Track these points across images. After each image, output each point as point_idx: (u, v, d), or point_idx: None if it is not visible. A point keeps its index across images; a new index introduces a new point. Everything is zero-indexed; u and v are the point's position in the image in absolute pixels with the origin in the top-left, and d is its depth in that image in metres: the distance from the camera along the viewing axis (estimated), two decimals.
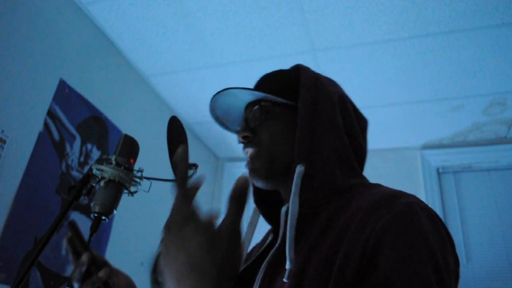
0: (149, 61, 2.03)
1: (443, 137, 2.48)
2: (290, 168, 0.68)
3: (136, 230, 2.02)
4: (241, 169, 2.92)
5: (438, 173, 2.54)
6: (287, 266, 0.58)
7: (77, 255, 0.68)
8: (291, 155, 0.69)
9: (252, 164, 0.72)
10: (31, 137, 1.45)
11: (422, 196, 2.44)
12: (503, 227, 2.28)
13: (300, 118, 0.68)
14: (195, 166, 0.76)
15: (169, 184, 0.74)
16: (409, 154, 2.59)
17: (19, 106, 1.41)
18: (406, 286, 0.48)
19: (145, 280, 2.10)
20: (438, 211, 2.38)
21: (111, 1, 1.68)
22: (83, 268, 0.66)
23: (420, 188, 2.48)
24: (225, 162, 3.00)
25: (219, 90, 0.76)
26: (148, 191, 0.77)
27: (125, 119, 1.97)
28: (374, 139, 2.55)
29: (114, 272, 0.73)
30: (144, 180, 0.76)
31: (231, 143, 2.78)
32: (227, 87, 0.75)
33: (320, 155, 0.66)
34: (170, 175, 0.75)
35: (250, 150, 0.73)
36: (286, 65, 0.85)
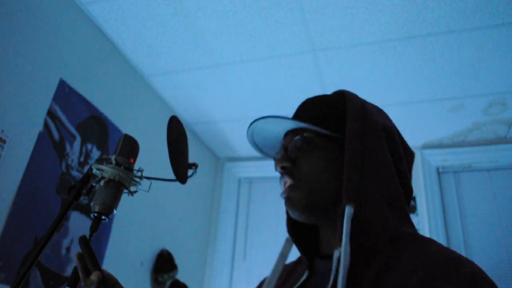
0: (149, 61, 2.03)
1: (443, 137, 2.48)
2: (332, 204, 0.65)
3: (136, 230, 2.02)
4: (241, 169, 2.93)
5: (438, 173, 2.54)
6: None
7: (86, 272, 0.66)
8: (333, 190, 0.65)
9: (289, 193, 0.68)
10: (31, 137, 1.45)
11: (422, 196, 2.44)
12: (503, 227, 2.28)
13: (348, 154, 0.64)
14: (195, 166, 0.76)
15: (169, 184, 0.74)
16: None
17: (19, 106, 1.41)
18: None
19: (145, 280, 2.10)
20: (438, 211, 2.38)
21: (111, 1, 1.68)
22: None
23: (420, 188, 2.48)
24: (225, 162, 3.00)
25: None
26: (148, 191, 0.77)
27: (125, 119, 1.97)
28: None
29: None
30: (144, 180, 0.76)
31: (231, 143, 2.78)
32: (269, 114, 0.73)
33: (370, 195, 0.61)
34: (170, 175, 0.75)
35: (288, 181, 0.69)
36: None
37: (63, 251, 1.54)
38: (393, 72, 1.96)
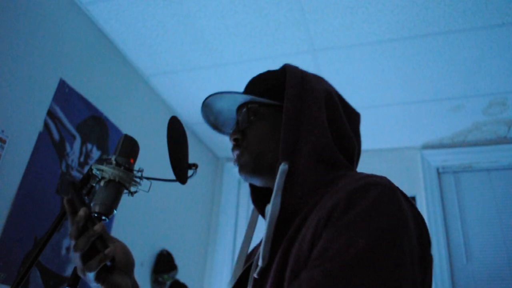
0: (149, 61, 2.03)
1: (443, 137, 2.48)
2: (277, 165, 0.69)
3: (136, 230, 2.02)
4: None
5: (438, 173, 2.54)
6: (259, 263, 0.59)
7: (75, 215, 0.67)
8: (277, 152, 0.70)
9: (239, 160, 0.75)
10: (31, 137, 1.45)
11: (422, 196, 2.44)
12: (503, 227, 2.28)
13: (285, 117, 0.69)
14: (195, 166, 0.76)
15: (169, 184, 0.74)
16: (409, 154, 2.59)
17: (19, 106, 1.41)
18: (334, 257, 0.49)
19: (145, 280, 2.10)
20: (438, 211, 2.38)
21: (111, 1, 1.68)
22: (80, 224, 0.65)
23: (420, 188, 2.48)
24: (225, 162, 3.00)
25: (219, 90, 0.77)
26: (148, 191, 0.77)
27: (125, 119, 1.97)
28: (374, 139, 2.55)
29: (110, 239, 0.74)
30: (144, 180, 0.76)
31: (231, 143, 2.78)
32: (220, 90, 0.78)
33: (302, 152, 0.67)
34: (170, 175, 0.75)
35: (237, 151, 0.75)
36: None
37: (63, 251, 1.54)
38: (393, 72, 1.96)
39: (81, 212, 0.65)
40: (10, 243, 1.33)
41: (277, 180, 0.64)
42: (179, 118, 0.80)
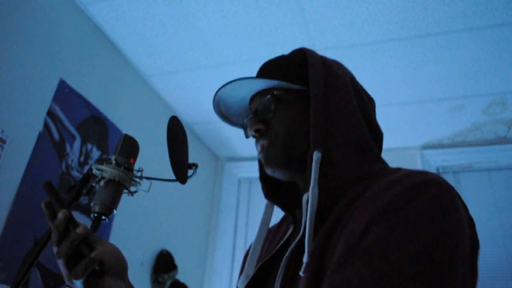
0: (149, 61, 2.03)
1: (443, 137, 2.48)
2: (307, 156, 0.65)
3: (136, 230, 2.02)
4: (241, 169, 2.92)
5: (438, 173, 2.53)
6: (304, 259, 0.55)
7: (55, 218, 0.62)
8: (306, 141, 0.66)
9: (267, 153, 0.68)
10: (31, 137, 1.45)
11: None
12: (503, 227, 2.28)
13: (314, 103, 0.65)
14: (195, 166, 0.76)
15: (169, 184, 0.74)
16: (409, 154, 2.59)
17: (19, 106, 1.41)
18: (389, 254, 0.47)
19: (145, 280, 2.10)
20: None
21: (111, 1, 1.68)
22: (61, 227, 0.59)
23: None
24: (225, 162, 3.00)
25: (219, 89, 0.74)
26: (148, 191, 0.77)
27: (125, 119, 1.97)
28: None
29: (97, 241, 0.67)
30: (144, 180, 0.76)
31: (231, 143, 2.78)
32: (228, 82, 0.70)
33: (336, 140, 0.63)
34: (170, 175, 0.75)
35: (265, 142, 0.69)
36: None
37: None
38: (393, 72, 1.96)
39: (60, 214, 0.60)
40: (10, 243, 1.33)
41: (313, 170, 0.59)
42: (179, 118, 0.79)
